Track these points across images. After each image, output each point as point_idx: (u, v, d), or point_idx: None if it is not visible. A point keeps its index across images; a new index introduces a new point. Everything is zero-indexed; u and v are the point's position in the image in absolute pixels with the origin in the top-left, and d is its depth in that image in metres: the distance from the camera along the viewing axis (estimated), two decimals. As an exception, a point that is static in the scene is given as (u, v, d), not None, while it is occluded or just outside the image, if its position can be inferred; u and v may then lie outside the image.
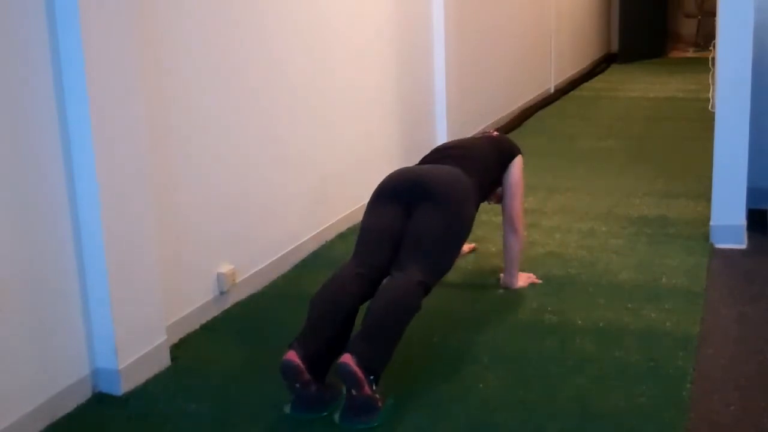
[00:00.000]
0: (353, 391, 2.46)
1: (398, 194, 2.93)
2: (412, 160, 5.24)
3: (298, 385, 2.53)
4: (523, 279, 3.52)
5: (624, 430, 2.44)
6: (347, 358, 2.44)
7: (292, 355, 2.51)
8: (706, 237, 3.98)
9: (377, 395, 2.49)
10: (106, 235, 2.64)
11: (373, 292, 2.68)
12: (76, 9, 2.48)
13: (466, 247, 3.83)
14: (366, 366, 2.45)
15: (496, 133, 3.57)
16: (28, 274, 2.50)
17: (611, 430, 2.44)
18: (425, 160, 3.27)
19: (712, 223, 3.95)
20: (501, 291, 3.47)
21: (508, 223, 3.41)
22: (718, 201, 3.92)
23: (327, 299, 2.68)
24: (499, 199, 3.46)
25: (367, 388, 2.45)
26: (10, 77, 2.40)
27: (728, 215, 3.91)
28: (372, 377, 2.47)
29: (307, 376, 2.52)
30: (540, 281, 3.53)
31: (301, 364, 2.50)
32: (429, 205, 2.83)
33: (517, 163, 3.41)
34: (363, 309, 2.65)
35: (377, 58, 4.75)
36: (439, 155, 3.24)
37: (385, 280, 2.73)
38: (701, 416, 2.50)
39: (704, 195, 4.30)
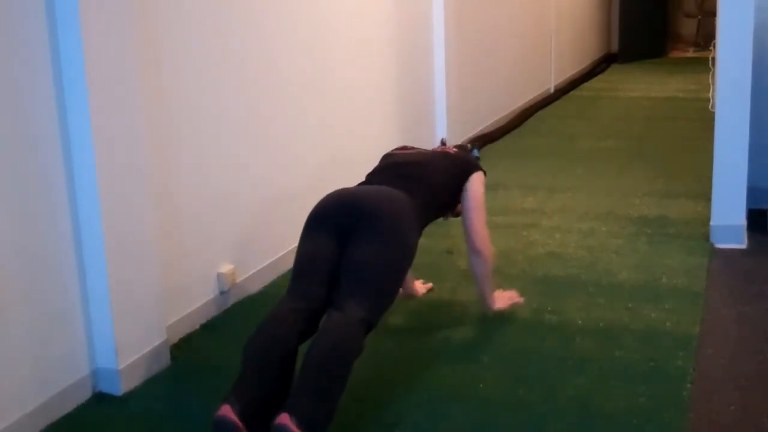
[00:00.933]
0: None
1: (333, 219, 2.66)
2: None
3: None
4: (503, 300, 3.19)
5: (624, 430, 2.44)
6: (285, 419, 2.16)
7: (227, 411, 2.24)
8: (706, 237, 3.98)
9: None
10: (106, 235, 2.64)
11: (314, 329, 2.46)
12: (76, 9, 2.48)
13: (423, 287, 3.41)
14: (307, 424, 2.18)
15: (454, 149, 3.24)
16: (28, 274, 2.50)
17: (611, 430, 2.44)
18: (373, 172, 3.04)
19: (712, 223, 3.95)
20: (501, 290, 3.46)
21: (470, 244, 3.07)
22: (718, 201, 3.92)
23: (261, 345, 2.42)
24: (458, 215, 3.19)
25: None
26: (10, 77, 2.40)
27: (728, 215, 3.91)
28: None
29: None
30: (522, 300, 3.24)
31: (238, 422, 2.23)
32: (367, 234, 2.57)
33: (476, 179, 3.08)
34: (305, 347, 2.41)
35: (377, 59, 4.75)
36: (385, 173, 2.96)
37: (322, 320, 2.46)
38: (701, 416, 2.50)
39: (704, 195, 4.30)
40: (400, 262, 2.62)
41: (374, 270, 2.53)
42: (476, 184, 3.09)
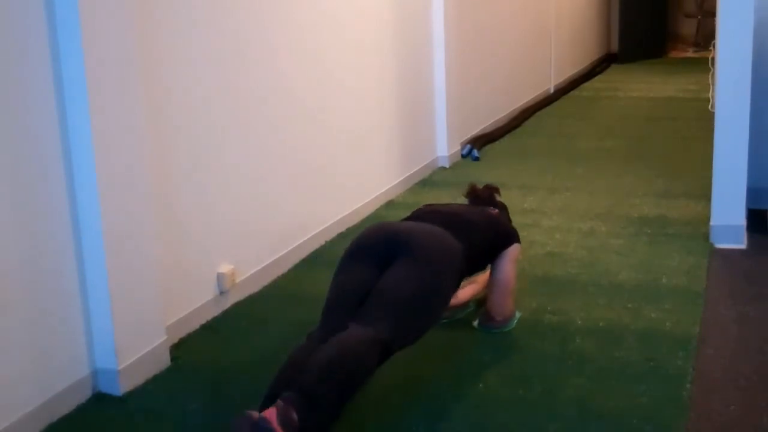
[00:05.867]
0: None
1: (372, 250, 2.62)
2: (412, 159, 5.27)
3: None
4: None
5: (624, 430, 2.44)
6: (271, 414, 2.08)
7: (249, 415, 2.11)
8: (706, 237, 3.98)
9: None
10: (106, 236, 2.64)
11: None
12: (75, 9, 2.48)
13: (463, 294, 3.22)
14: (293, 427, 2.08)
15: (496, 210, 3.23)
16: (28, 274, 2.50)
17: (611, 430, 2.44)
18: (418, 215, 2.98)
19: (712, 223, 3.95)
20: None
21: (489, 309, 3.10)
22: (718, 201, 3.92)
23: (288, 368, 2.33)
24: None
25: None
26: (10, 77, 2.40)
27: (728, 215, 3.91)
28: None
29: None
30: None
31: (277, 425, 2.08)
32: (404, 261, 2.52)
33: (512, 253, 3.04)
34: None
35: (377, 59, 4.75)
36: (429, 214, 2.93)
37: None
38: (701, 416, 2.50)
39: (704, 195, 4.30)
40: (433, 294, 2.54)
41: (406, 293, 2.46)
42: (511, 260, 3.04)
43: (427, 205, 3.16)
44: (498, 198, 3.35)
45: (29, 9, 2.44)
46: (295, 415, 2.10)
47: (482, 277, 3.25)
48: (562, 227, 4.26)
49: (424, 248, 2.57)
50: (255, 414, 2.10)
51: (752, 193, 4.04)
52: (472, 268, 2.88)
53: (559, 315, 3.22)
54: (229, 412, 2.62)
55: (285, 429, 2.07)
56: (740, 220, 3.93)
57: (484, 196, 3.31)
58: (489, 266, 3.08)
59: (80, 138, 2.58)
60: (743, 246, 3.91)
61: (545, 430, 2.45)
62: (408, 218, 2.98)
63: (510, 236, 3.07)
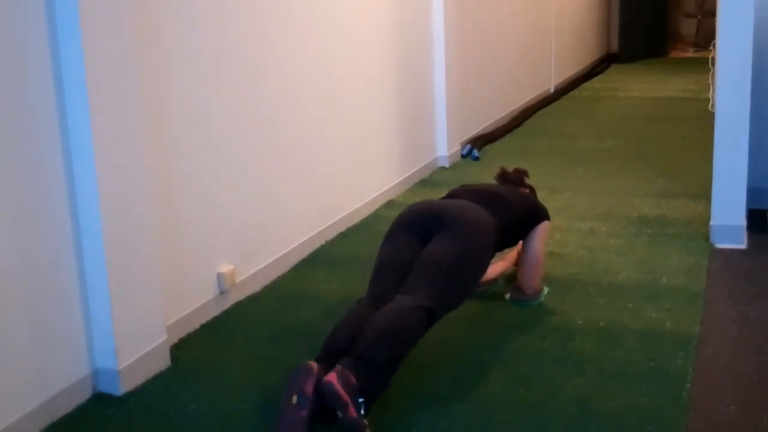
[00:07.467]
0: (339, 414, 2.30)
1: (414, 226, 2.88)
2: (412, 159, 5.27)
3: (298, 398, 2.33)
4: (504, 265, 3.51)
5: (624, 430, 2.44)
6: (332, 378, 2.30)
7: (311, 363, 2.37)
8: (706, 237, 3.98)
9: (365, 421, 2.33)
10: (106, 236, 2.64)
11: None
12: (75, 9, 2.48)
13: (493, 270, 3.44)
14: (353, 388, 2.32)
15: (527, 190, 3.47)
16: (28, 274, 2.50)
17: (611, 430, 2.44)
18: (456, 193, 3.20)
19: (712, 223, 3.95)
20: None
21: (519, 281, 3.32)
22: (718, 201, 3.92)
23: (341, 332, 2.57)
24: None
25: (352, 411, 2.29)
26: (10, 77, 2.40)
27: (728, 215, 3.91)
28: (361, 400, 2.33)
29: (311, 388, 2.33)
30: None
31: (315, 367, 2.35)
32: (444, 234, 2.77)
33: (543, 229, 3.27)
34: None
35: (377, 59, 4.75)
36: (466, 193, 3.15)
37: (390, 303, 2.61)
38: (701, 416, 2.50)
39: (704, 195, 4.30)
40: (473, 263, 2.77)
41: (448, 264, 2.69)
42: (541, 237, 3.26)
43: (462, 185, 3.35)
44: (527, 180, 3.57)
45: (29, 9, 2.44)
46: (353, 378, 2.33)
47: (511, 255, 3.53)
48: (562, 227, 4.26)
49: (462, 223, 2.81)
50: (314, 365, 2.36)
51: (752, 193, 4.04)
52: (504, 243, 3.08)
53: (559, 315, 3.22)
54: (230, 412, 2.63)
55: (346, 390, 2.30)
56: (740, 220, 3.93)
57: (514, 179, 3.52)
58: (519, 243, 3.35)
59: (80, 138, 2.58)
60: (743, 246, 3.91)
61: (545, 430, 2.45)
62: (446, 197, 3.20)
63: (541, 213, 3.28)
